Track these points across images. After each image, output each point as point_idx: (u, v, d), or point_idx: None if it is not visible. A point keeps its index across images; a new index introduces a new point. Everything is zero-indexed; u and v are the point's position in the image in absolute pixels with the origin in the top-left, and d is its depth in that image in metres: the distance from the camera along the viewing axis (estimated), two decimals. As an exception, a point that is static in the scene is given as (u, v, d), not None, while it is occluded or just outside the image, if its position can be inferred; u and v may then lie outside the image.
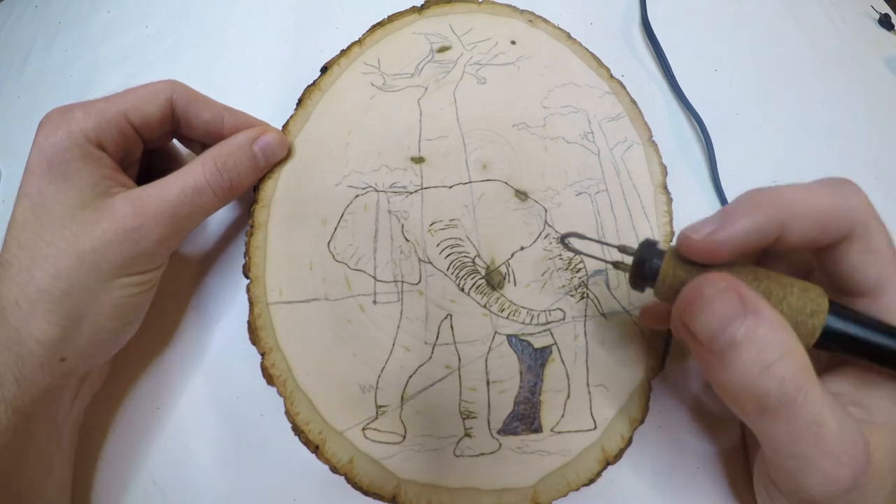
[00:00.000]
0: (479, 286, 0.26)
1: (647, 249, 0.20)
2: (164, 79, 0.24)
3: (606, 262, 0.22)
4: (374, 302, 0.25)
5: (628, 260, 0.21)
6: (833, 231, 0.19)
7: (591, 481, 0.23)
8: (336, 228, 0.26)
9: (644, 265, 0.20)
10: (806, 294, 0.18)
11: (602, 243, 0.22)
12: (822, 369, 0.21)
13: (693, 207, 0.31)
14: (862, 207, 0.19)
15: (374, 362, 0.24)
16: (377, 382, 0.24)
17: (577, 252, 0.23)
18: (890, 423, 0.19)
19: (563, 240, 0.23)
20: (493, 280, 0.26)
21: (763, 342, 0.17)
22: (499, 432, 0.24)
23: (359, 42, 0.30)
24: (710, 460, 0.26)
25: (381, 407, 0.23)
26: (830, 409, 0.17)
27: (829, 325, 0.18)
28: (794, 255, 0.23)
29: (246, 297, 0.25)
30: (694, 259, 0.19)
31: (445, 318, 0.25)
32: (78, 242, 0.20)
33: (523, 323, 0.25)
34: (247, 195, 0.27)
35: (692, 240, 0.18)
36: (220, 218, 0.30)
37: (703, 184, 0.33)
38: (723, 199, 0.32)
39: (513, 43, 0.31)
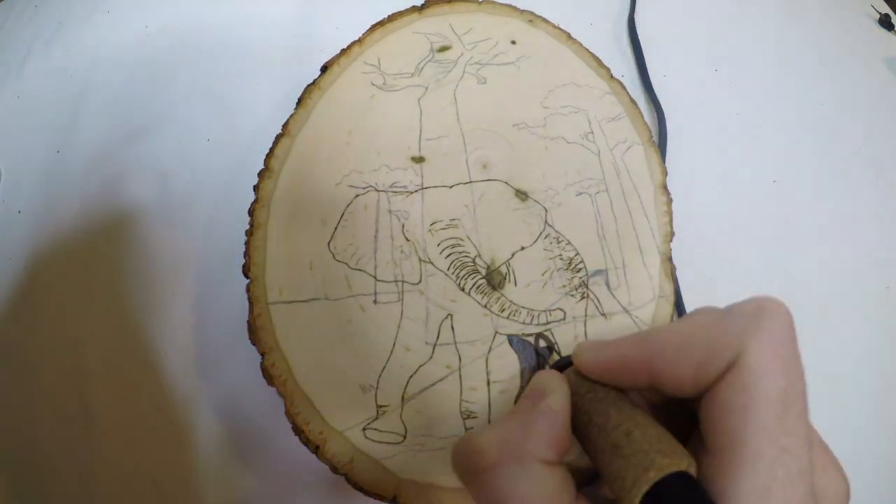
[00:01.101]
0: (479, 286, 0.26)
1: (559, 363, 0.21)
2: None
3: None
4: (375, 302, 0.25)
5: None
6: (713, 366, 0.15)
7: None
8: (336, 228, 0.26)
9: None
10: (669, 440, 0.15)
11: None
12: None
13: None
14: (755, 335, 0.15)
15: (374, 362, 0.24)
16: (377, 382, 0.24)
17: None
18: None
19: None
20: (494, 280, 0.26)
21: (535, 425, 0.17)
22: (499, 432, 0.24)
23: (359, 41, 0.30)
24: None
25: (381, 407, 0.23)
26: None
27: (665, 479, 0.14)
28: None
29: (246, 296, 0.25)
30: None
31: (446, 318, 0.25)
32: None
33: (524, 323, 0.25)
34: (246, 195, 0.27)
35: (574, 357, 0.19)
36: (220, 217, 0.30)
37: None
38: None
39: (513, 43, 0.31)
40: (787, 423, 0.14)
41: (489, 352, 0.25)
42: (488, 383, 0.24)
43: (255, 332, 0.24)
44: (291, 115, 0.28)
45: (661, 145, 0.34)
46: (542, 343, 0.25)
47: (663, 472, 0.14)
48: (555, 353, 0.25)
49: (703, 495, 0.14)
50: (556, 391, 0.18)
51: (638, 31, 0.38)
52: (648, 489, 0.14)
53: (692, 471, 0.15)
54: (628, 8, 0.39)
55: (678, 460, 0.14)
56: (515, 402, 0.24)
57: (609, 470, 0.16)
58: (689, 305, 0.29)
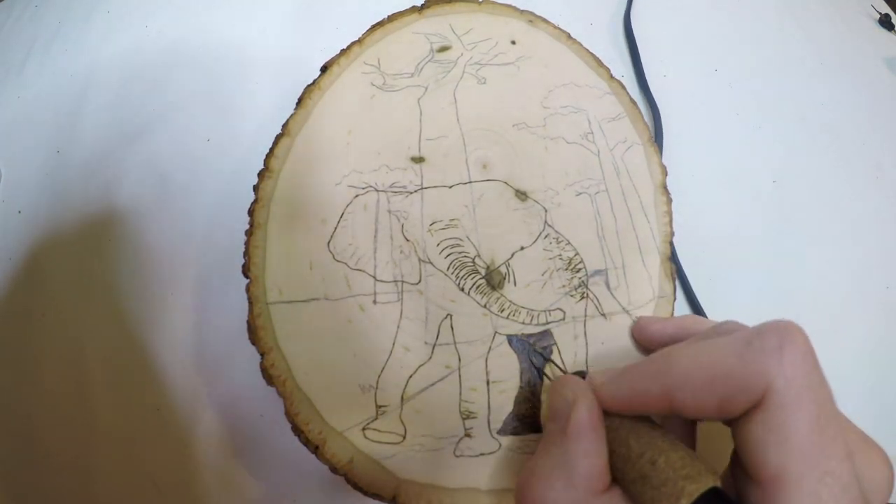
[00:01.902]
0: (479, 286, 0.26)
1: None
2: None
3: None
4: (374, 302, 0.25)
5: None
6: (738, 401, 0.15)
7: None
8: (336, 228, 0.26)
9: None
10: (692, 462, 0.16)
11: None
12: None
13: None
14: (781, 371, 0.15)
15: (373, 362, 0.24)
16: (377, 382, 0.24)
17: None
18: None
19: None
20: (493, 280, 0.26)
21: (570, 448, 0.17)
22: (499, 432, 0.24)
23: (359, 42, 0.30)
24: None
25: (381, 407, 0.23)
26: None
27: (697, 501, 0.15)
28: None
29: (245, 296, 0.25)
30: None
31: (445, 318, 0.25)
32: None
33: (523, 323, 0.25)
34: (246, 195, 0.27)
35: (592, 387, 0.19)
36: (220, 217, 0.30)
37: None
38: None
39: (513, 43, 0.31)
40: (824, 447, 0.14)
41: (489, 352, 0.25)
42: (488, 383, 0.24)
43: (254, 331, 0.24)
44: (291, 115, 0.28)
45: (658, 143, 0.34)
46: (542, 343, 0.25)
47: (693, 497, 0.15)
48: (553, 363, 0.25)
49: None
50: (580, 401, 0.18)
51: (637, 31, 0.38)
52: None
53: (719, 485, 0.15)
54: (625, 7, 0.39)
55: (705, 480, 0.15)
56: (515, 401, 0.24)
57: (643, 499, 0.16)
58: (688, 305, 0.29)
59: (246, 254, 0.25)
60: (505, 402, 0.24)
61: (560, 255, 0.27)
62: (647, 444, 0.17)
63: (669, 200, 0.29)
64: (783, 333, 0.16)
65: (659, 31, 0.38)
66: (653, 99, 0.36)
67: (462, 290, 0.25)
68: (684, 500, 0.15)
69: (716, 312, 0.29)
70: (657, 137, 0.35)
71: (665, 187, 0.29)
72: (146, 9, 0.38)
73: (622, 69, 0.36)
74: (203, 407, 0.26)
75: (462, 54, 0.30)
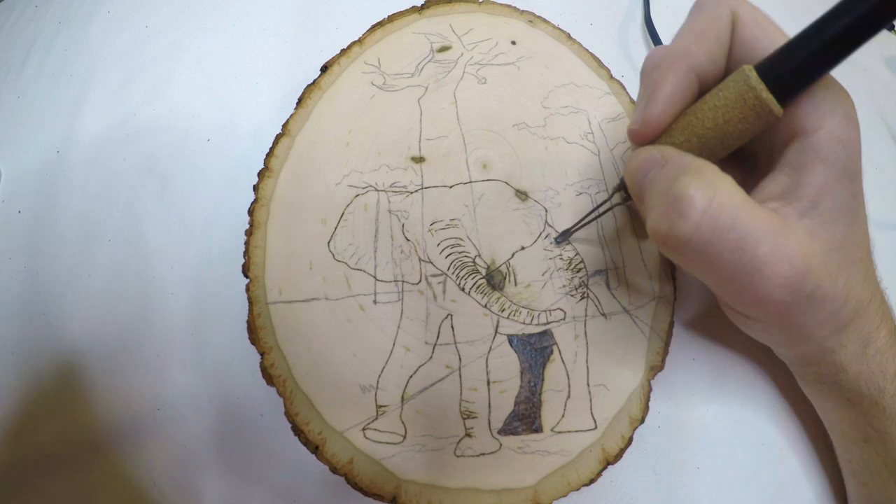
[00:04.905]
0: (479, 286, 0.26)
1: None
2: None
3: (608, 208, 0.25)
4: (375, 301, 0.25)
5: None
6: (725, 27, 0.20)
7: (592, 481, 0.23)
8: (336, 228, 0.26)
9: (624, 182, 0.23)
10: (731, 82, 0.19)
11: (589, 218, 0.26)
12: (759, 176, 0.21)
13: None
14: None
15: (374, 362, 0.24)
16: (377, 382, 0.24)
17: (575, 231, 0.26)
18: (829, 208, 0.19)
19: (559, 240, 0.26)
20: (494, 280, 0.26)
21: (671, 179, 0.18)
22: (499, 432, 0.24)
23: (359, 41, 0.30)
24: (711, 460, 0.26)
25: (381, 407, 0.23)
26: (760, 221, 0.18)
27: (766, 78, 0.18)
28: None
29: (245, 296, 0.24)
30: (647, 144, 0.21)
31: (446, 317, 0.25)
32: None
33: (524, 323, 0.25)
34: (246, 195, 0.27)
35: (633, 131, 0.20)
36: (220, 217, 0.30)
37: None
38: None
39: (513, 43, 0.31)
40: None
41: (489, 352, 0.25)
42: (488, 383, 0.24)
43: (254, 331, 0.24)
44: (291, 115, 0.28)
45: None
46: (542, 343, 0.25)
47: (758, 81, 0.18)
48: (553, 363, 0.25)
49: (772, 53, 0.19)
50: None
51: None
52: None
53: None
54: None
55: (746, 71, 0.19)
56: (515, 401, 0.24)
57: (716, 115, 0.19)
58: (689, 306, 0.29)
59: (246, 254, 0.25)
60: (505, 402, 0.24)
61: (560, 255, 0.27)
62: (695, 107, 0.20)
63: (669, 200, 0.29)
64: None
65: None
66: None
67: (462, 289, 0.25)
68: (763, 92, 0.18)
69: (716, 312, 0.29)
70: None
71: (665, 187, 0.29)
72: (146, 9, 0.38)
73: (625, 69, 0.36)
74: (203, 407, 0.26)
75: (462, 54, 0.30)
